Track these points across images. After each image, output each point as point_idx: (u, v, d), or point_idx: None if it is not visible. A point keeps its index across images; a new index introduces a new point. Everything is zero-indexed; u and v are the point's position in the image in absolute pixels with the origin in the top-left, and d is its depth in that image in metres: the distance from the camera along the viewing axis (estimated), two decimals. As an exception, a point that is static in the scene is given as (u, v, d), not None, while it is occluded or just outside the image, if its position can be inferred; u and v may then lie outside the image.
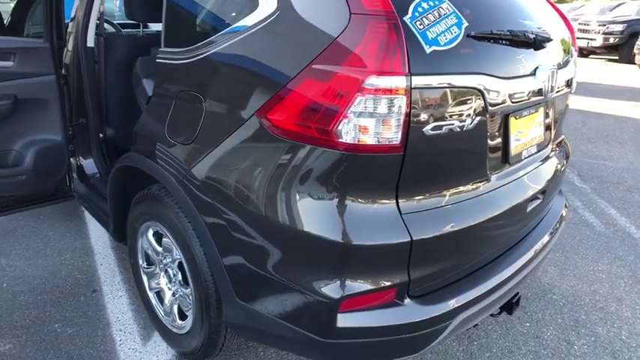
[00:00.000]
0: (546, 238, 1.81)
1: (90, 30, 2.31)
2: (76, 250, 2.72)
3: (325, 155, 1.21)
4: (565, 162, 1.96)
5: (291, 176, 1.27)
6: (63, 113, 2.29)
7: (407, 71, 1.14)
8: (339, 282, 1.23)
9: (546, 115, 1.72)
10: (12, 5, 3.28)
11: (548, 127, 1.76)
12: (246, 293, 1.43)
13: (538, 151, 1.71)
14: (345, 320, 1.25)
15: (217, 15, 1.52)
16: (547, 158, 1.79)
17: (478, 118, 1.31)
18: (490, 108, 1.33)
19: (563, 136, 2.02)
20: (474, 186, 1.40)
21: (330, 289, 1.23)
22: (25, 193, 2.30)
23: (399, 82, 1.13)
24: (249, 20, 1.35)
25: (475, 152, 1.39)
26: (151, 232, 1.87)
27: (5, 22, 3.06)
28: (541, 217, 1.84)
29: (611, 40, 11.81)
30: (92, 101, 2.41)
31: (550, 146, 1.82)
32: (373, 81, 1.12)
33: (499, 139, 1.46)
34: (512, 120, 1.49)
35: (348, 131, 1.16)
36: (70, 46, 2.32)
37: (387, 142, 1.17)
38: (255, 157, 1.33)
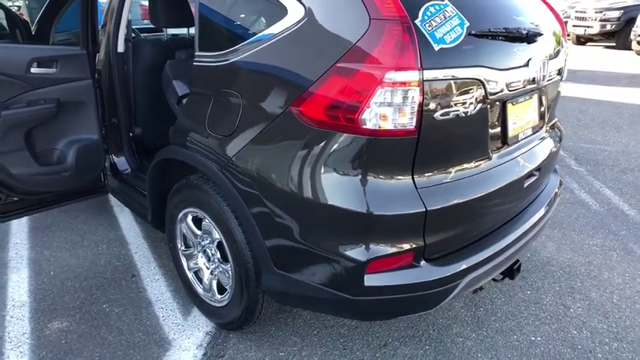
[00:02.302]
0: (542, 210, 2.03)
1: (120, 37, 2.53)
2: (110, 241, 2.94)
3: (350, 140, 1.43)
4: (559, 143, 2.17)
5: (321, 158, 1.49)
6: (98, 114, 2.51)
7: (419, 66, 1.35)
8: (365, 247, 1.46)
9: (540, 101, 1.94)
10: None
11: (541, 112, 1.98)
12: (284, 263, 1.66)
13: (533, 133, 1.92)
14: (371, 280, 1.47)
15: (248, 22, 1.74)
16: (542, 139, 2.00)
17: (480, 105, 1.53)
18: (490, 96, 1.55)
19: (556, 119, 2.24)
20: (478, 164, 1.63)
21: (358, 253, 1.45)
22: (67, 189, 2.52)
23: (412, 75, 1.35)
24: (278, 27, 1.57)
25: (478, 134, 1.61)
26: (190, 217, 2.09)
27: (32, 30, 3.27)
28: (538, 192, 2.06)
29: (608, 27, 11.96)
30: (123, 102, 2.63)
31: (544, 129, 2.04)
32: (391, 75, 1.34)
33: (498, 123, 1.68)
34: (509, 106, 1.70)
35: (370, 119, 1.38)
36: (101, 52, 2.54)
37: (404, 127, 1.39)
38: (289, 144, 1.55)
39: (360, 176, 1.45)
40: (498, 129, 1.69)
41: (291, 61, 1.54)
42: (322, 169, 1.49)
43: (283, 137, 1.57)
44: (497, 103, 1.64)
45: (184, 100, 2.37)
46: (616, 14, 11.90)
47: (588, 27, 12.28)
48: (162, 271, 2.62)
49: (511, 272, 1.88)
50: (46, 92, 2.27)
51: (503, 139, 1.72)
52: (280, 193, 1.59)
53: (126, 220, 3.20)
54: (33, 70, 2.20)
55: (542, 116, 1.99)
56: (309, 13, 1.49)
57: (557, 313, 2.22)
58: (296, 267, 1.63)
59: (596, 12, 12.26)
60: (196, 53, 1.87)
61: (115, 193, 2.82)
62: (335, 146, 1.47)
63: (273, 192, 1.61)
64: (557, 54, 1.98)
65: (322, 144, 1.48)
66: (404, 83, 1.35)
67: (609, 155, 4.41)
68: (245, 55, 1.66)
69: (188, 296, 2.31)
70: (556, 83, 2.07)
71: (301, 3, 1.51)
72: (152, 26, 4.06)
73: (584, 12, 12.52)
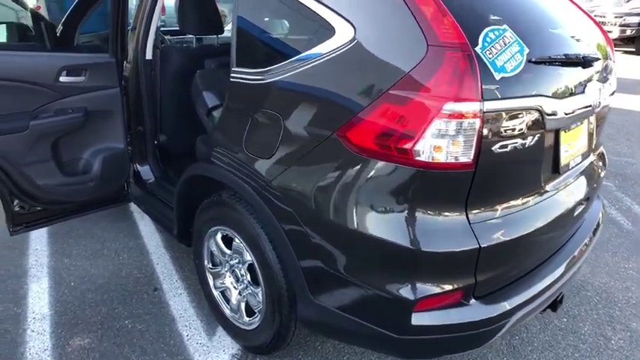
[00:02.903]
0: (587, 239, 1.94)
1: (149, 44, 2.46)
2: (131, 250, 2.89)
3: (401, 171, 1.35)
4: (604, 167, 2.08)
5: (368, 189, 1.42)
6: (125, 123, 2.45)
7: (480, 97, 1.27)
8: (414, 285, 1.38)
9: (590, 126, 1.85)
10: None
11: (590, 137, 1.88)
12: (322, 293, 1.58)
13: (582, 160, 1.83)
14: (418, 319, 1.40)
15: (291, 40, 1.65)
16: (589, 166, 1.91)
17: (537, 135, 1.44)
18: (547, 125, 1.46)
19: (601, 145, 2.14)
20: (531, 196, 1.54)
21: (406, 291, 1.38)
22: (91, 199, 2.47)
23: (473, 107, 1.26)
24: (324, 47, 1.49)
25: (533, 166, 1.52)
26: (219, 236, 2.02)
27: (57, 32, 3.21)
28: (583, 220, 1.97)
29: (628, 32, 11.76)
30: (149, 110, 2.57)
31: (592, 154, 1.95)
32: (450, 107, 1.26)
33: (551, 152, 1.59)
34: (562, 133, 1.61)
35: (424, 150, 1.30)
36: (129, 58, 2.48)
37: (460, 161, 1.30)
38: (334, 172, 1.47)
39: (410, 210, 1.37)
40: (551, 158, 1.61)
41: (338, 84, 1.46)
42: (369, 200, 1.41)
43: (327, 163, 1.49)
44: (552, 131, 1.55)
45: (215, 113, 2.30)
46: (636, 19, 11.70)
47: (608, 32, 12.03)
48: (185, 284, 2.56)
49: (554, 304, 1.80)
50: (73, 101, 2.20)
51: (555, 168, 1.64)
52: (322, 222, 1.51)
53: (147, 228, 3.14)
54: (62, 78, 2.13)
55: (590, 141, 1.90)
56: (359, 34, 1.40)
57: (598, 345, 2.13)
58: (335, 299, 1.56)
59: (615, 17, 12.05)
60: (233, 69, 1.79)
61: (138, 202, 2.76)
62: (384, 176, 1.39)
63: (313, 220, 1.53)
64: (610, 77, 1.88)
65: (370, 173, 1.40)
66: (463, 115, 1.27)
67: (637, 169, 4.30)
68: (287, 74, 1.58)
69: (213, 315, 2.24)
70: (607, 106, 1.98)
71: (351, 24, 1.42)
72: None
73: (604, 17, 12.30)
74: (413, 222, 1.37)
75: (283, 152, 1.59)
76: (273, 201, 1.62)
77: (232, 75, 1.79)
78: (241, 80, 1.75)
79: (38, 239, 2.97)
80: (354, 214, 1.43)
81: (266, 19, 1.77)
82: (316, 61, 1.50)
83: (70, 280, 2.57)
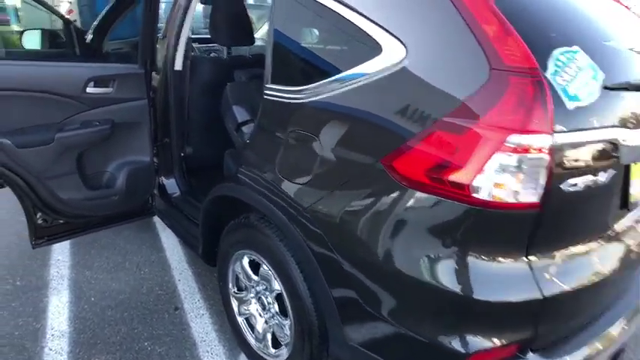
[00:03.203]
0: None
1: (179, 54, 2.37)
2: (153, 264, 2.80)
3: (454, 208, 1.20)
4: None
5: (415, 225, 1.28)
6: (151, 135, 2.36)
7: (550, 129, 1.11)
8: (466, 337, 1.22)
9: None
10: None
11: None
12: (360, 336, 1.44)
13: (649, 194, 1.65)
14: (469, 373, 1.24)
15: (332, 57, 1.52)
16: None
17: (610, 170, 1.28)
18: (622, 159, 1.30)
19: None
20: (599, 237, 1.38)
21: (457, 344, 1.22)
22: (115, 212, 2.39)
23: (542, 140, 1.11)
24: (370, 66, 1.35)
25: (601, 203, 1.36)
26: (246, 260, 1.91)
27: (87, 39, 3.17)
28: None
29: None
30: (176, 122, 2.48)
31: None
32: (515, 139, 1.11)
33: (620, 187, 1.42)
34: (632, 166, 1.44)
35: (483, 187, 1.15)
36: (158, 68, 2.39)
37: (525, 200, 1.15)
38: (377, 203, 1.33)
39: (462, 251, 1.22)
40: (619, 194, 1.43)
41: (384, 108, 1.32)
42: (416, 238, 1.27)
43: (368, 194, 1.35)
44: (623, 165, 1.38)
45: (245, 129, 2.19)
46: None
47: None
48: (207, 304, 2.45)
49: (615, 357, 1.62)
50: (100, 113, 2.13)
51: (624, 204, 1.46)
52: (361, 258, 1.37)
53: (169, 240, 3.05)
54: (89, 89, 2.05)
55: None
56: (411, 54, 1.26)
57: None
58: (374, 343, 1.42)
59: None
60: (268, 85, 1.68)
61: (162, 216, 2.67)
62: (434, 213, 1.24)
63: (352, 255, 1.40)
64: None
65: (418, 208, 1.26)
66: (530, 149, 1.11)
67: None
68: (327, 94, 1.45)
69: (236, 341, 2.12)
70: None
71: (401, 42, 1.28)
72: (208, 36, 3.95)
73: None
74: (466, 265, 1.22)
75: (320, 178, 1.46)
76: (306, 229, 1.49)
77: (266, 92, 1.67)
78: (276, 98, 1.63)
79: (60, 249, 2.90)
80: (401, 252, 1.29)
81: (305, 33, 1.65)
82: (360, 81, 1.37)
83: (91, 295, 2.49)
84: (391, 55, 1.31)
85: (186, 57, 2.44)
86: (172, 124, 2.48)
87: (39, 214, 2.20)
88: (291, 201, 1.54)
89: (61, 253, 2.87)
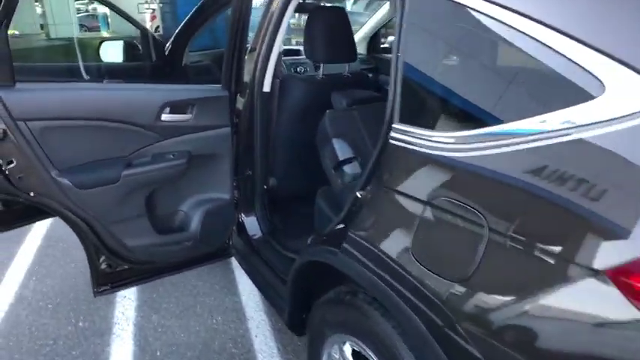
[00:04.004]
0: None
1: (268, 73, 1.98)
2: (227, 311, 2.43)
3: None
4: None
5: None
6: (233, 167, 1.99)
7: None
8: None
9: None
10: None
11: None
12: None
13: None
14: None
15: (522, 91, 1.02)
16: None
17: None
18: None
19: None
20: None
21: None
22: (187, 258, 2.03)
23: None
24: (579, 114, 0.85)
25: None
26: (349, 349, 1.45)
27: (166, 50, 2.88)
28: None
29: None
30: (261, 151, 2.09)
31: None
32: None
33: None
34: None
35: None
36: (244, 89, 2.01)
37: None
38: (592, 329, 0.82)
39: None
40: None
41: (612, 183, 0.81)
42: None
43: (574, 310, 0.84)
44: None
45: (347, 169, 1.74)
46: None
47: None
48: (288, 374, 2.03)
49: None
50: (176, 143, 1.77)
51: None
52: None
53: (244, 281, 2.67)
54: (164, 116, 1.70)
55: None
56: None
57: None
58: None
59: None
60: (396, 126, 1.21)
61: (240, 258, 2.28)
62: None
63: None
64: None
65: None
66: None
67: None
68: (499, 150, 0.96)
69: None
70: None
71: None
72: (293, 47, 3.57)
73: None
74: None
75: (490, 276, 0.96)
76: (454, 341, 1.00)
77: (393, 135, 1.20)
78: (413, 147, 1.15)
79: (128, 284, 2.62)
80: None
81: (458, 66, 1.16)
82: (560, 135, 0.87)
83: (156, 348, 2.15)
84: (622, 98, 0.80)
85: (275, 76, 2.05)
86: (256, 154, 2.09)
87: (102, 258, 1.88)
88: (439, 304, 1.05)
89: (127, 289, 2.58)
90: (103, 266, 1.91)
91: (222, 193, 1.98)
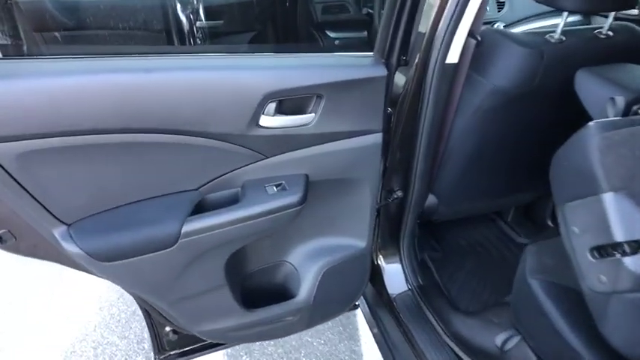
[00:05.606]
0: None
1: (461, 28, 1.04)
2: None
3: None
4: None
5: None
6: (378, 196, 1.14)
7: None
8: None
9: None
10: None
11: None
12: None
13: None
14: None
15: None
16: None
17: None
18: None
19: None
20: None
21: None
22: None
23: None
24: None
25: None
26: None
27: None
28: None
29: None
30: (426, 157, 1.21)
31: None
32: None
33: None
34: None
35: None
36: (413, 64, 1.08)
37: None
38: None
39: None
40: None
41: None
42: None
43: None
44: None
45: (630, 263, 0.79)
46: None
47: None
48: None
49: None
50: (283, 164, 0.95)
51: None
52: None
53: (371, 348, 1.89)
54: (263, 119, 0.87)
55: None
56: None
57: None
58: None
59: None
60: None
61: (369, 319, 1.50)
62: None
63: None
64: None
65: None
66: None
67: None
68: None
69: None
70: None
71: None
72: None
73: None
74: None
75: None
76: None
77: None
78: None
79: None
80: None
81: None
82: None
83: None
84: None
85: (471, 34, 1.09)
86: (417, 163, 1.22)
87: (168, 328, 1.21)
88: None
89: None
90: (167, 329, 1.25)
91: (355, 237, 1.15)
